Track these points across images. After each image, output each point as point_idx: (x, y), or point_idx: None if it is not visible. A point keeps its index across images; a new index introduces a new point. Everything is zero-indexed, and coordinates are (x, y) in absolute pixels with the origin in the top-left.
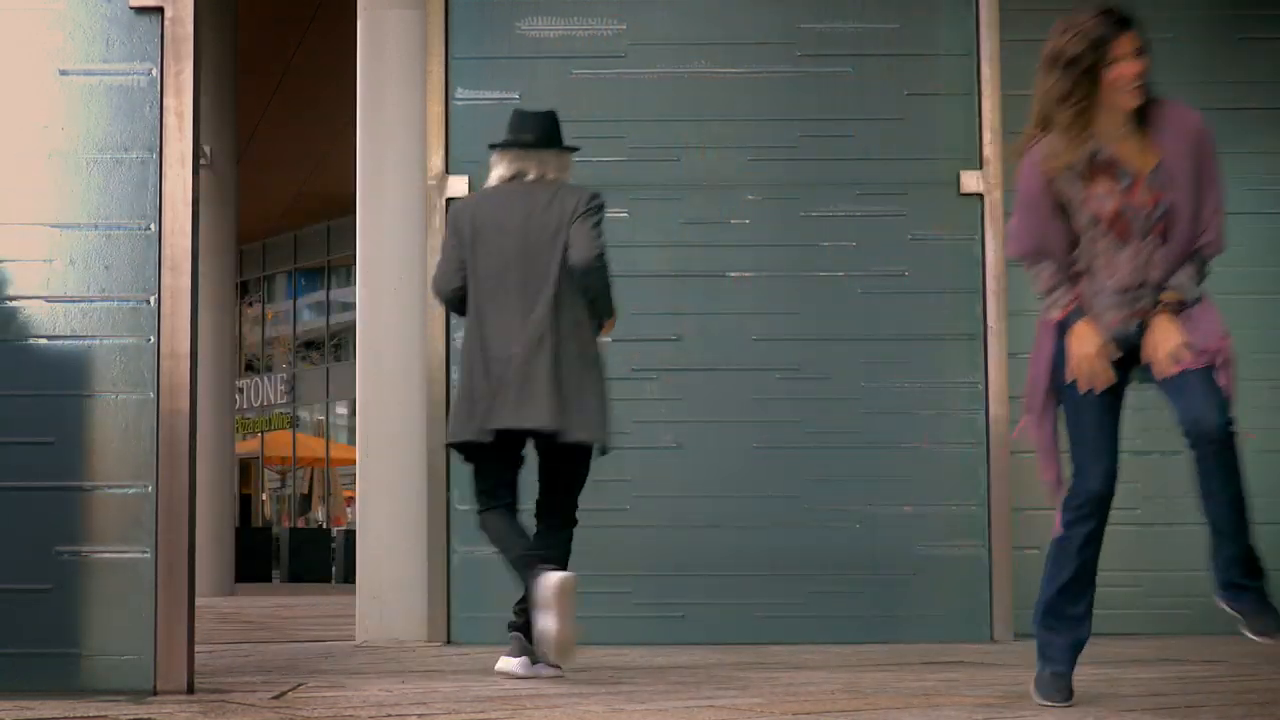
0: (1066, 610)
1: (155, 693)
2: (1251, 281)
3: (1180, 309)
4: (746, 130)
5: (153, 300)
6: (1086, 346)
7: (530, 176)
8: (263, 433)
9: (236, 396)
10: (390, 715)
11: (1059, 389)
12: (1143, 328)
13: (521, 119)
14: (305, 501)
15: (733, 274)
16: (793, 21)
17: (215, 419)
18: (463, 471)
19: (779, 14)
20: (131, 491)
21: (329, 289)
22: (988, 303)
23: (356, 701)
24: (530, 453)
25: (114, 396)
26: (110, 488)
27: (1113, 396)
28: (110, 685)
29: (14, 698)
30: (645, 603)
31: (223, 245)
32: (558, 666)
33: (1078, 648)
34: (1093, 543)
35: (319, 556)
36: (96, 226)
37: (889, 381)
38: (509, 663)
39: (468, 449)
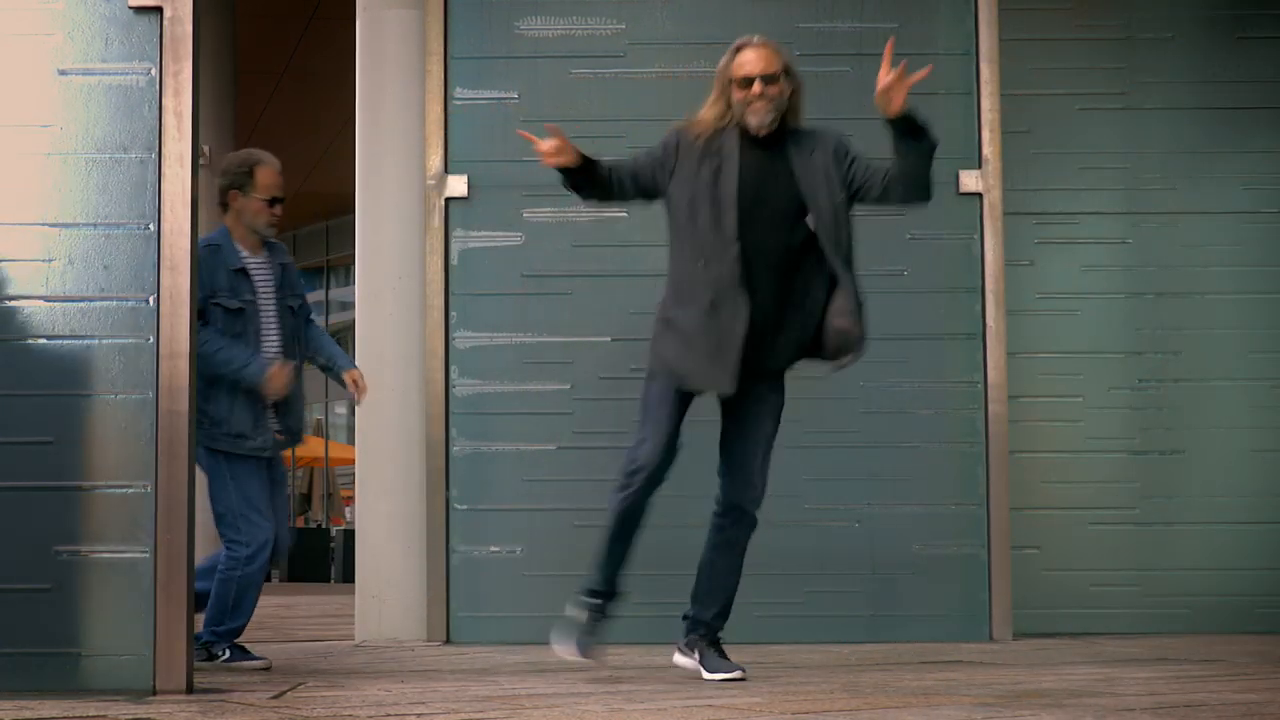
0: None
1: (154, 692)
2: (1251, 281)
3: None
4: None
5: (152, 300)
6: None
7: None
8: None
9: None
10: (389, 715)
11: None
12: None
13: None
14: (304, 501)
15: None
16: (792, 21)
17: None
18: (462, 471)
19: (778, 14)
20: (130, 491)
21: (328, 288)
22: (987, 302)
23: (355, 701)
24: None
25: (113, 396)
26: (109, 487)
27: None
28: (109, 685)
29: (13, 698)
30: (645, 603)
31: None
32: None
33: None
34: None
35: (318, 556)
36: (95, 226)
37: (888, 381)
38: None
39: None
